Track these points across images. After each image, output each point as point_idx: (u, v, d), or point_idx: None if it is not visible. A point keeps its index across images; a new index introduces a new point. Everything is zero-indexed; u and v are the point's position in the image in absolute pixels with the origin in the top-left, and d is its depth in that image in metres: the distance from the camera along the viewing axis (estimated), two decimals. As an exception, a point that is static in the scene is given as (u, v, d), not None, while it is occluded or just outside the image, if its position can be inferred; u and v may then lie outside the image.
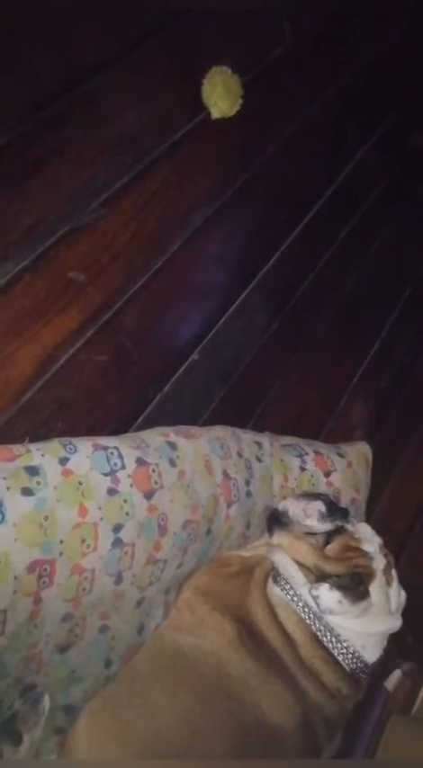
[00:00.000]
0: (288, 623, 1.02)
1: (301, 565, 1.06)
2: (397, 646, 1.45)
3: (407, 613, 1.10)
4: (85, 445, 0.99)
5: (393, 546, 1.27)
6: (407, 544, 1.70)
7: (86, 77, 1.07)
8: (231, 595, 1.05)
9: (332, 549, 1.08)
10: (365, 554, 1.07)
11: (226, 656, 0.98)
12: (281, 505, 1.20)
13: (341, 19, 1.59)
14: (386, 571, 1.07)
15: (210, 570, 1.10)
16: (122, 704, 0.95)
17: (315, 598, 0.99)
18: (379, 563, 1.07)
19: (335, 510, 1.17)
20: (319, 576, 1.04)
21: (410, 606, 1.12)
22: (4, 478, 0.88)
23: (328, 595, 0.99)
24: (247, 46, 1.34)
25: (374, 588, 1.03)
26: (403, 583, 1.11)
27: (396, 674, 1.49)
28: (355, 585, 1.01)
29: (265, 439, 1.30)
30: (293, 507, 1.17)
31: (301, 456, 1.31)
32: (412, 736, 1.40)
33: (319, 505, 1.17)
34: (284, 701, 0.98)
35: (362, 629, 1.02)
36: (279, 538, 1.13)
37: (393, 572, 1.09)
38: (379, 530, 1.17)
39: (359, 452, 1.42)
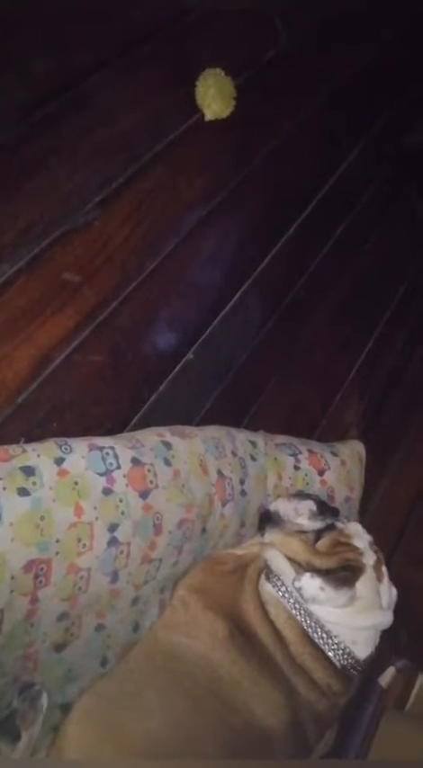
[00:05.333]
0: (278, 620, 1.03)
1: (292, 561, 1.07)
2: (391, 643, 1.46)
3: (400, 610, 1.11)
4: (80, 445, 0.99)
5: (387, 543, 1.28)
6: (401, 541, 1.71)
7: (81, 79, 1.08)
8: (224, 593, 1.06)
9: (322, 544, 1.09)
10: (355, 549, 1.08)
11: (217, 658, 0.99)
12: (272, 506, 1.21)
13: (333, 21, 1.59)
14: (376, 567, 1.08)
15: (204, 568, 1.11)
16: (115, 705, 0.95)
17: (298, 589, 1.01)
18: (369, 558, 1.08)
19: (326, 509, 1.18)
20: (310, 571, 1.04)
21: (404, 603, 1.12)
22: (0, 479, 0.89)
23: (309, 583, 1.00)
24: (240, 48, 1.35)
25: (364, 582, 1.04)
26: (397, 580, 1.12)
27: (390, 671, 1.50)
28: (337, 572, 1.02)
29: (259, 438, 1.31)
30: (284, 507, 1.19)
31: (295, 455, 1.32)
32: (406, 733, 1.41)
33: (310, 504, 1.18)
34: (274, 701, 0.99)
35: (352, 622, 1.03)
36: (271, 536, 1.14)
37: (384, 568, 1.10)
38: (373, 527, 1.18)
39: (353, 451, 1.43)
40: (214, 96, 1.23)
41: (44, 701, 0.92)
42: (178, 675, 0.98)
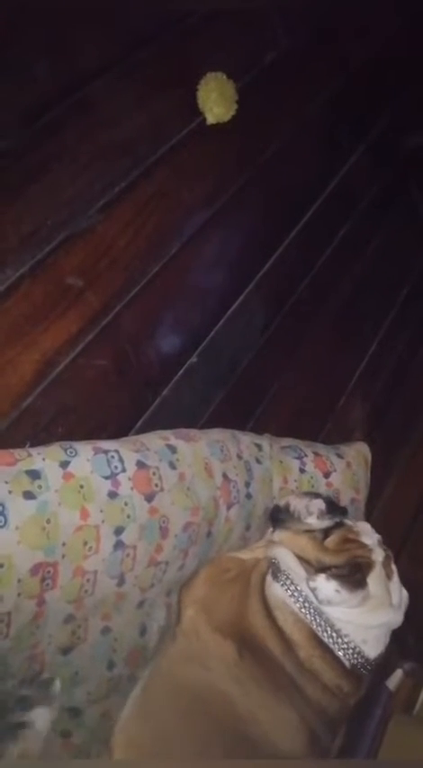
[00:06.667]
0: (286, 625, 1.02)
1: (301, 559, 1.07)
2: (398, 645, 1.45)
3: (407, 612, 1.11)
4: (85, 449, 0.99)
5: (394, 544, 1.28)
6: (407, 542, 1.70)
7: (83, 84, 1.08)
8: (230, 607, 1.05)
9: (331, 541, 1.09)
10: (364, 546, 1.08)
11: (233, 694, 0.98)
12: (282, 501, 1.20)
13: (334, 23, 1.60)
14: (385, 564, 1.07)
15: (208, 579, 1.10)
16: (152, 751, 0.95)
17: (313, 590, 1.00)
18: (378, 555, 1.07)
19: (335, 508, 1.18)
20: (320, 569, 1.04)
21: (411, 605, 1.12)
22: (6, 482, 0.89)
23: (325, 585, 0.99)
24: (241, 51, 1.36)
25: (373, 579, 1.03)
26: (404, 581, 1.11)
27: (397, 674, 1.49)
28: (352, 574, 1.01)
29: (264, 441, 1.30)
30: (295, 502, 1.18)
31: (300, 458, 1.31)
32: (414, 736, 1.40)
33: (320, 503, 1.18)
34: (291, 724, 0.98)
35: (362, 621, 1.02)
36: (279, 535, 1.14)
37: (393, 566, 1.09)
38: (379, 529, 1.17)
39: (358, 453, 1.43)
40: (216, 100, 1.24)
41: (57, 685, 0.91)
42: (206, 722, 0.97)
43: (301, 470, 1.30)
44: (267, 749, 0.96)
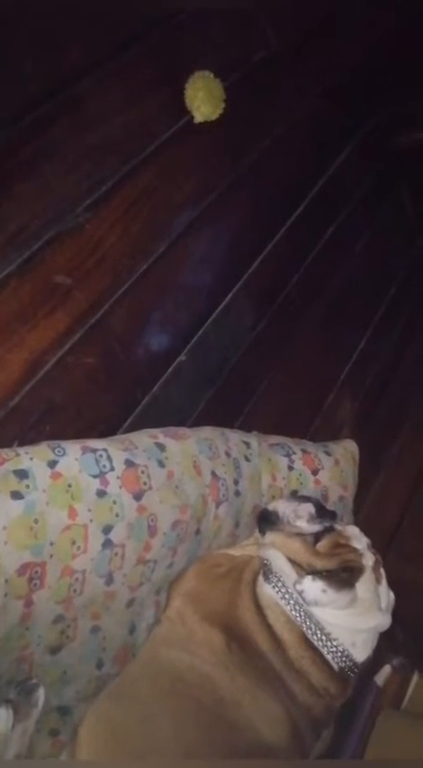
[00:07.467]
0: (277, 624, 1.03)
1: (293, 562, 1.07)
2: (387, 640, 1.46)
3: (396, 608, 1.12)
4: (73, 448, 0.99)
5: (381, 541, 1.29)
6: (395, 539, 1.72)
7: (71, 82, 1.08)
8: (220, 600, 1.06)
9: (323, 545, 1.10)
10: (355, 550, 1.09)
11: (218, 677, 0.98)
12: (271, 506, 1.21)
13: (324, 22, 1.60)
14: (375, 568, 1.08)
15: (199, 573, 1.11)
16: (128, 732, 0.94)
17: (300, 592, 1.01)
18: (368, 559, 1.08)
19: (324, 512, 1.19)
20: (310, 573, 1.04)
21: (399, 601, 1.13)
22: (-6, 482, 0.89)
23: (311, 586, 1.00)
24: (229, 50, 1.36)
25: (364, 583, 1.04)
26: (391, 577, 1.12)
27: (386, 669, 1.50)
28: (337, 574, 1.02)
29: (253, 438, 1.31)
30: (284, 507, 1.19)
31: (288, 455, 1.32)
32: (402, 731, 1.41)
33: (310, 507, 1.18)
34: (275, 714, 0.99)
35: (352, 624, 1.03)
36: (271, 536, 1.14)
37: (382, 570, 1.10)
38: (367, 526, 1.18)
39: (346, 450, 1.43)
40: (203, 99, 1.23)
41: (40, 695, 0.91)
42: (185, 699, 0.97)
43: (290, 468, 1.31)
44: (249, 735, 0.96)
